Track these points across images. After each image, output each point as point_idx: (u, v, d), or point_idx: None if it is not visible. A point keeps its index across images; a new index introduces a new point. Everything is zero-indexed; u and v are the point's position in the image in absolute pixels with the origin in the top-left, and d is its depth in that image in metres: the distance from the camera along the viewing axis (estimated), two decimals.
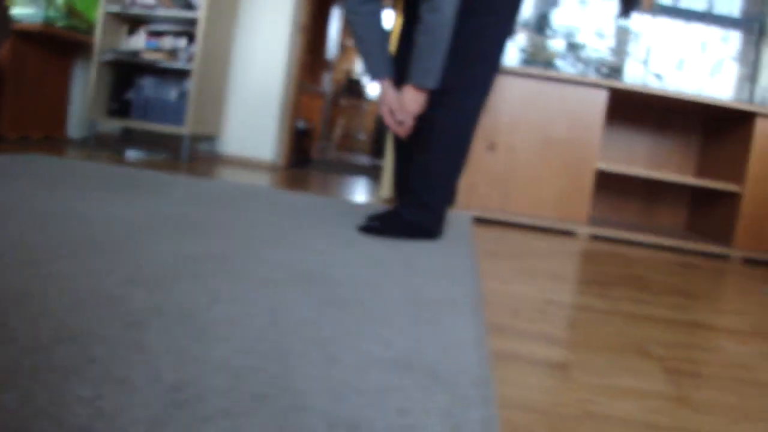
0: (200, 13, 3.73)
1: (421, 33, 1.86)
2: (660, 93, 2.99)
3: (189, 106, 3.76)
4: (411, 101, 1.93)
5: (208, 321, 0.94)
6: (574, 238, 2.92)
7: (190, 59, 3.87)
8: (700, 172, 3.49)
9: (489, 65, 2.01)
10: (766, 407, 1.00)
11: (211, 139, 4.34)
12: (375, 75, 2.01)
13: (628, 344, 1.26)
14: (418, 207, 1.98)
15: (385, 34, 1.98)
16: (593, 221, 3.29)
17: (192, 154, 4.22)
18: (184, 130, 3.78)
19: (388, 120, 1.99)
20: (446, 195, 2.05)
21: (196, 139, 4.33)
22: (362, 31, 1.96)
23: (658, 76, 4.25)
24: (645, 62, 4.37)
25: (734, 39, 4.15)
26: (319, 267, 1.40)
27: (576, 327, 1.34)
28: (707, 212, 3.37)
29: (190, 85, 3.76)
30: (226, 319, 0.96)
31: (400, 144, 2.13)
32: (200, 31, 3.73)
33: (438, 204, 2.01)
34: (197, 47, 3.74)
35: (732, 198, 3.10)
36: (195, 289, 1.09)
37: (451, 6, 1.83)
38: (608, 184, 3.56)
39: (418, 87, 1.91)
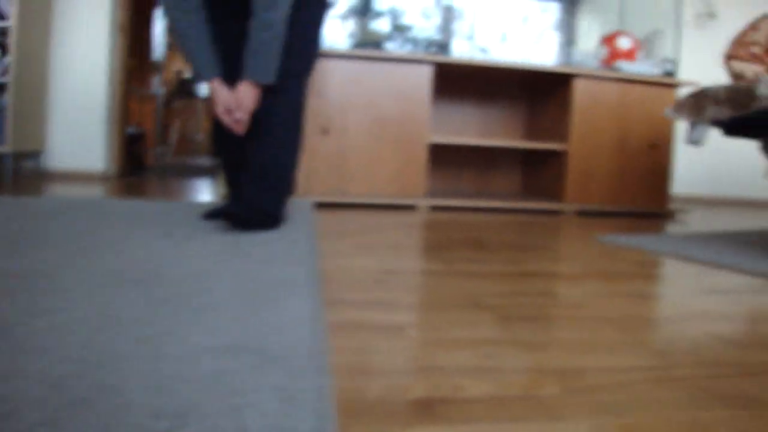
0: (11, 22, 3.38)
1: (259, 29, 1.81)
2: (482, 63, 3.09)
3: (7, 122, 3.40)
4: (248, 98, 1.87)
5: (29, 333, 0.83)
6: (415, 211, 2.95)
7: (4, 72, 3.50)
8: (529, 136, 3.65)
9: (311, 51, 2.01)
10: (602, 339, 1.02)
11: (35, 155, 3.96)
12: (204, 75, 1.90)
13: (463, 300, 1.25)
14: (258, 197, 1.89)
15: (209, 32, 1.88)
16: (432, 193, 3.35)
17: (16, 174, 3.83)
18: (4, 148, 3.42)
19: (226, 119, 1.89)
20: (287, 183, 1.99)
21: (20, 156, 3.93)
22: (184, 30, 1.84)
23: (483, 50, 4.41)
24: (470, 38, 4.52)
25: (553, 9, 4.39)
26: (154, 267, 1.28)
27: (413, 291, 1.31)
28: (539, 173, 3.53)
29: (7, 99, 3.41)
30: (49, 330, 0.86)
31: (225, 139, 2.03)
32: (13, 41, 3.39)
33: (278, 192, 1.94)
34: (11, 59, 3.39)
35: (559, 157, 3.27)
36: (17, 304, 0.96)
37: (287, 3, 1.80)
38: (444, 156, 3.64)
39: (256, 83, 1.86)
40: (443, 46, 3.56)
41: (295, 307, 1.04)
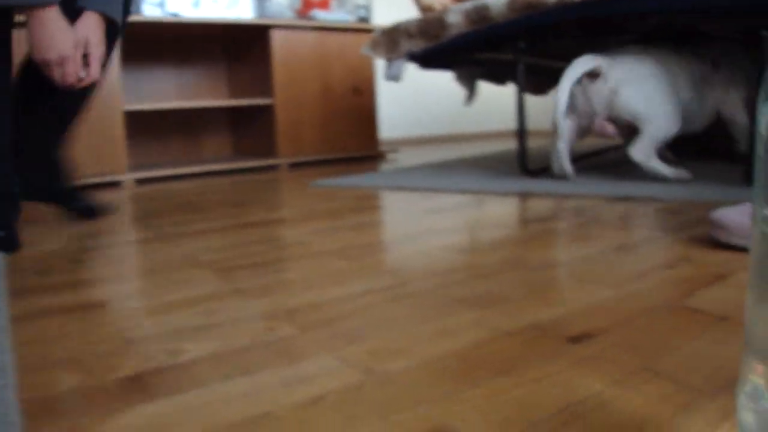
0: None
1: None
2: (174, 20, 2.84)
3: None
4: (98, 34, 1.26)
5: None
6: (119, 188, 2.66)
7: None
8: (233, 94, 3.51)
9: None
10: (331, 272, 0.95)
11: None
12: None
13: (177, 262, 1.10)
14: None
15: None
16: (136, 166, 3.06)
17: None
18: None
19: (70, 71, 1.22)
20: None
21: None
22: None
23: (174, 14, 4.11)
24: (161, 4, 4.16)
25: None
26: None
27: (117, 263, 1.13)
28: (249, 131, 3.42)
29: None
30: None
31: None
32: None
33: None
34: None
35: (266, 111, 3.19)
36: None
37: None
38: (146, 125, 3.34)
39: (103, 16, 1.27)
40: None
41: None
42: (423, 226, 1.32)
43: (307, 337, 0.68)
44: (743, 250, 0.96)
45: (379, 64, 4.24)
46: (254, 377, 0.58)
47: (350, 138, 3.38)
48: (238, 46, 3.41)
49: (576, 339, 0.64)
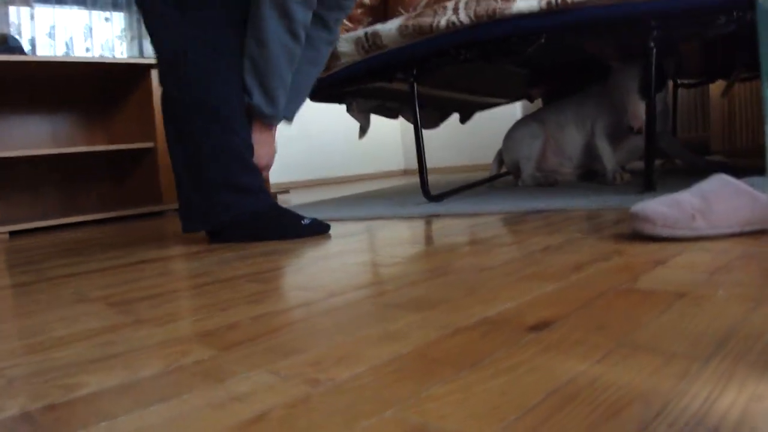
0: None
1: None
2: (44, 59, 2.64)
3: None
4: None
5: None
6: None
7: None
8: (113, 139, 3.30)
9: None
10: (240, 296, 0.84)
11: None
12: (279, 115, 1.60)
13: (66, 300, 0.96)
14: None
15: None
16: (10, 219, 2.79)
17: None
18: None
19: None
20: None
21: None
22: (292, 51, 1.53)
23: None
24: (31, 46, 3.90)
25: (118, 19, 4.02)
26: None
27: None
28: (132, 177, 3.22)
29: None
30: None
31: None
32: None
33: None
34: None
35: (149, 155, 3.02)
36: None
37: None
38: (18, 175, 3.06)
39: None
40: None
41: None
42: (335, 248, 1.24)
43: (231, 356, 0.58)
44: (670, 240, 0.95)
45: None
46: (176, 402, 0.47)
47: None
48: (119, 89, 3.22)
49: (535, 327, 0.58)
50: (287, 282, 0.93)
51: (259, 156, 1.54)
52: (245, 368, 0.54)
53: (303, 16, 1.44)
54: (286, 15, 1.41)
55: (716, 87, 3.02)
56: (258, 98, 1.48)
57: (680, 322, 0.56)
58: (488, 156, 3.46)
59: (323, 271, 0.99)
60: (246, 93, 1.48)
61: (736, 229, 0.93)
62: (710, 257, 0.82)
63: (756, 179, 0.97)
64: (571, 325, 0.58)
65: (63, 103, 3.19)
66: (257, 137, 1.53)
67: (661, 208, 0.96)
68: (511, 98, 3.16)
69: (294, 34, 1.45)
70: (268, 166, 1.60)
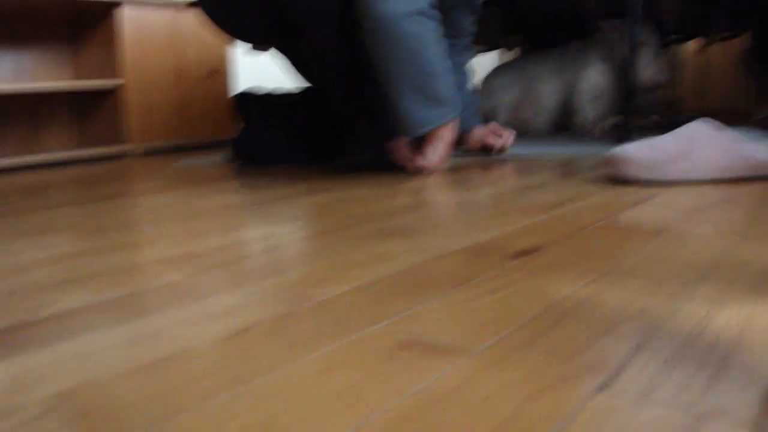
0: None
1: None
2: None
3: None
4: None
5: None
6: None
7: None
8: (78, 76, 3.19)
9: None
10: (219, 224, 0.82)
11: None
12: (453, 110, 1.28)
13: (28, 230, 0.92)
14: None
15: None
16: None
17: None
18: None
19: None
20: None
21: None
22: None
23: None
24: None
25: None
26: None
27: None
28: (96, 116, 3.12)
29: None
30: None
31: None
32: None
33: None
34: None
35: (115, 94, 2.92)
36: None
37: None
38: None
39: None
40: None
41: None
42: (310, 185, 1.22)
43: (208, 277, 0.56)
44: (647, 183, 0.95)
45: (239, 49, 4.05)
46: (152, 319, 0.45)
47: (205, 122, 3.18)
48: (85, 24, 3.09)
49: (523, 253, 0.57)
50: (269, 212, 0.91)
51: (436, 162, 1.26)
52: (224, 288, 0.52)
53: None
54: None
55: (690, 45, 3.03)
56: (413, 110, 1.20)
57: (665, 252, 0.55)
58: None
59: (304, 205, 0.97)
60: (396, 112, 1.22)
61: (714, 175, 0.94)
62: (689, 199, 0.82)
63: (747, 132, 0.97)
64: (558, 252, 0.57)
65: (27, 38, 3.06)
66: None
67: (641, 150, 0.96)
68: (489, 46, 3.12)
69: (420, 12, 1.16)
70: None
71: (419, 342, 0.37)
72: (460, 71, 1.48)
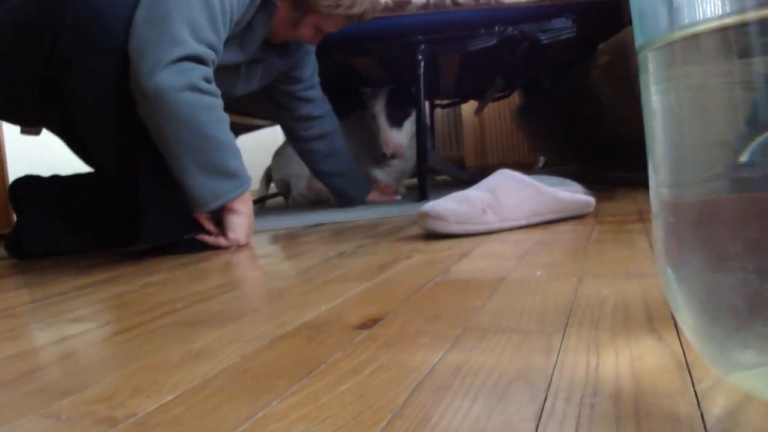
0: None
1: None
2: None
3: None
4: None
5: None
6: None
7: None
8: None
9: None
10: None
11: None
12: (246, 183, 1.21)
13: None
14: None
15: None
16: None
17: None
18: None
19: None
20: None
21: None
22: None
23: None
24: None
25: None
26: None
27: None
28: None
29: None
30: None
31: None
32: None
33: None
34: None
35: None
36: None
37: None
38: None
39: None
40: None
41: None
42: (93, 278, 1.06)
43: None
44: (463, 236, 0.95)
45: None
46: None
47: None
48: None
49: (364, 326, 0.51)
50: (57, 311, 0.75)
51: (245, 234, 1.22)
52: (12, 416, 0.39)
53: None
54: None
55: (468, 107, 3.27)
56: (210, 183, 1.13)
57: (513, 302, 0.52)
58: (253, 176, 3.36)
59: (104, 298, 0.82)
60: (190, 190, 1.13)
61: (524, 222, 0.96)
62: (510, 246, 0.82)
63: (541, 177, 1.01)
64: (401, 318, 0.51)
65: None
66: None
67: (451, 204, 0.96)
68: (274, 119, 3.10)
69: (193, 88, 1.09)
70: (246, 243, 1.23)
71: None
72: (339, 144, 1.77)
